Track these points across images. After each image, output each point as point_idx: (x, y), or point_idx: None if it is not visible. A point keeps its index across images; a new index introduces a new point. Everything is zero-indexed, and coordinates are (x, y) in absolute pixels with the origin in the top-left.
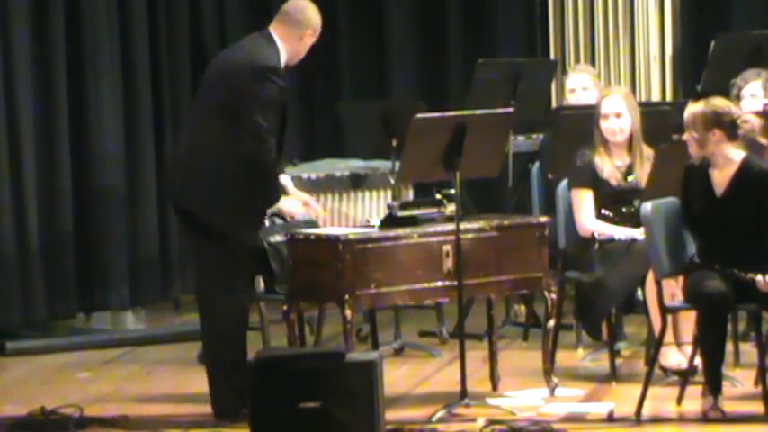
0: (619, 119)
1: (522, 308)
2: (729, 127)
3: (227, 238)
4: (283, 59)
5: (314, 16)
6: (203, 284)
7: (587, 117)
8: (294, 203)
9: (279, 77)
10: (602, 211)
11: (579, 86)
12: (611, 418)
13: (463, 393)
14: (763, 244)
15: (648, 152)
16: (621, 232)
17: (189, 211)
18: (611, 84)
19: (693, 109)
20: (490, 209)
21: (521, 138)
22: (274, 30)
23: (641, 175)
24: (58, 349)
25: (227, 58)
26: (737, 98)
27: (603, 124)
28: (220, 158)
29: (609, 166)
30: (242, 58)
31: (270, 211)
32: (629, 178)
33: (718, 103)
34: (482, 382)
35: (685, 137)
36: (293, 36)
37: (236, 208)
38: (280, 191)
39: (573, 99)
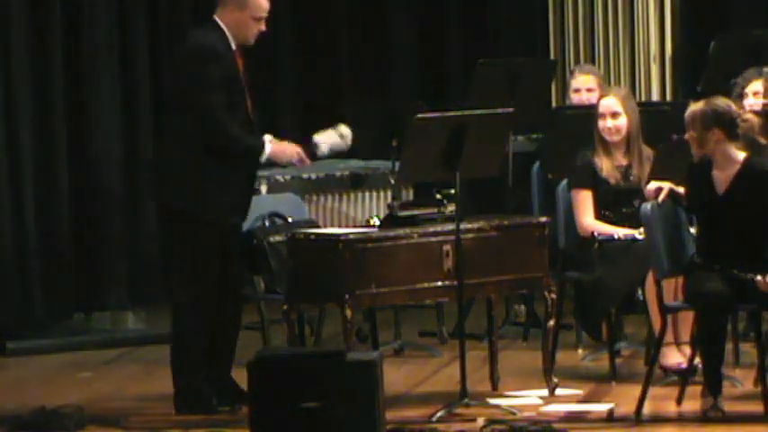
0: (615, 119)
1: (522, 308)
2: (729, 126)
3: (203, 229)
4: (232, 40)
5: None
6: (177, 277)
7: (587, 117)
8: (284, 147)
9: (214, 56)
10: (602, 212)
11: (584, 87)
12: (611, 418)
13: (463, 393)
14: (763, 244)
15: (648, 152)
16: (621, 232)
17: (165, 205)
18: (611, 84)
19: (693, 108)
20: (490, 209)
21: (521, 138)
22: (217, 15)
23: (641, 176)
24: (58, 349)
25: (175, 52)
26: (740, 97)
27: (600, 124)
28: (181, 147)
29: (608, 167)
30: (183, 48)
31: (262, 158)
32: (629, 178)
33: (719, 102)
34: (482, 382)
35: (687, 136)
36: (225, 14)
37: (207, 192)
38: (256, 143)
39: (577, 99)
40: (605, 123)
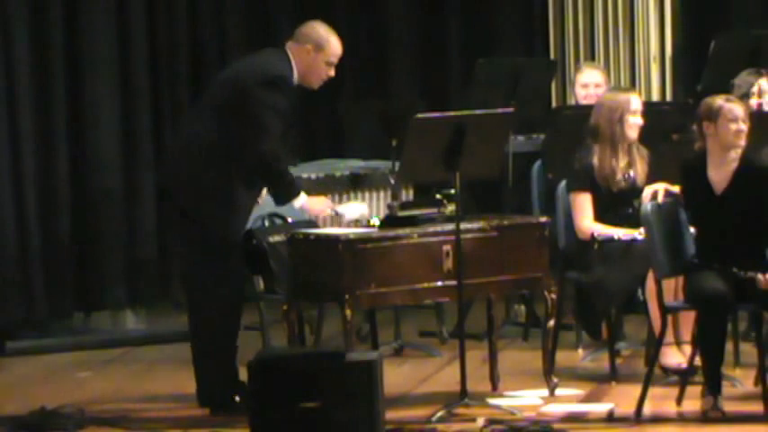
0: (641, 115)
1: (522, 308)
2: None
3: (216, 231)
4: (295, 76)
5: (315, 32)
6: (194, 271)
7: (587, 117)
8: (321, 202)
9: (286, 88)
10: (602, 213)
11: (593, 83)
12: (611, 418)
13: (463, 393)
14: (763, 242)
15: (644, 151)
16: (621, 232)
17: (179, 203)
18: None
19: (702, 102)
20: (490, 209)
21: (521, 138)
22: (288, 47)
23: (639, 175)
24: (58, 349)
25: (240, 66)
26: (746, 96)
27: (631, 120)
28: (217, 155)
29: (608, 168)
30: (254, 67)
31: (295, 206)
32: (629, 179)
33: (719, 97)
34: (482, 382)
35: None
36: (299, 51)
37: (225, 203)
38: (296, 187)
39: (583, 94)
40: (636, 120)
